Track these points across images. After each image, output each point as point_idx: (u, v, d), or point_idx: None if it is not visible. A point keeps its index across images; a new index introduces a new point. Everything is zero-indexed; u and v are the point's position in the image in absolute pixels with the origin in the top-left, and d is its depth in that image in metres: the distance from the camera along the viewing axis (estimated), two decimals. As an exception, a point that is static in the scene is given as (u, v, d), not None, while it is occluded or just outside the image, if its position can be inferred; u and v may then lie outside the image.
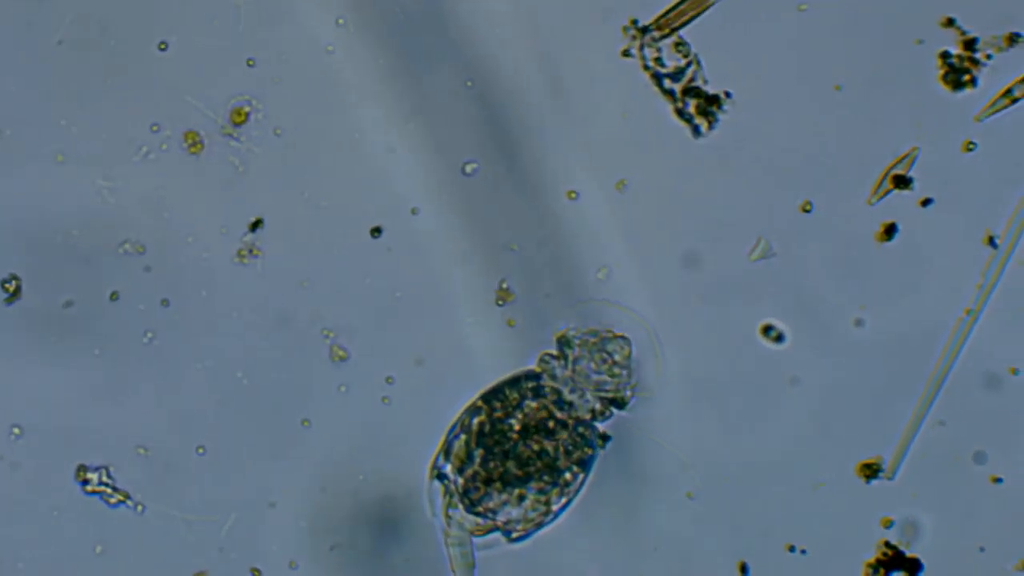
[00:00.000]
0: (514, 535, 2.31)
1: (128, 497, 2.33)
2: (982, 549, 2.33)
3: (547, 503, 2.29)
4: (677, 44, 2.33)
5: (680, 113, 2.34)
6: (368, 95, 2.35)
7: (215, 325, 2.35)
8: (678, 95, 2.33)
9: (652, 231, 2.35)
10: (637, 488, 2.34)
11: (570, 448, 2.28)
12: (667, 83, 2.34)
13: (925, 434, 2.33)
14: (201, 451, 2.34)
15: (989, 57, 2.33)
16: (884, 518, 2.34)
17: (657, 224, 2.35)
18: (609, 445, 2.30)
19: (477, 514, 2.29)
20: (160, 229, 2.36)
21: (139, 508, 2.33)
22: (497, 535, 2.32)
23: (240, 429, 2.34)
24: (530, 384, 2.31)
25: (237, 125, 2.35)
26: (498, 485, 2.28)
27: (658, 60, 2.34)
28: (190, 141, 2.35)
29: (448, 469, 2.31)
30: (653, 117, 2.36)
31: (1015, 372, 2.33)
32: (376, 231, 2.36)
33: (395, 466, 2.34)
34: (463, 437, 2.30)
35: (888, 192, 2.33)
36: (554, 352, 2.31)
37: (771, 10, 2.35)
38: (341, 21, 2.35)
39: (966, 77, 2.33)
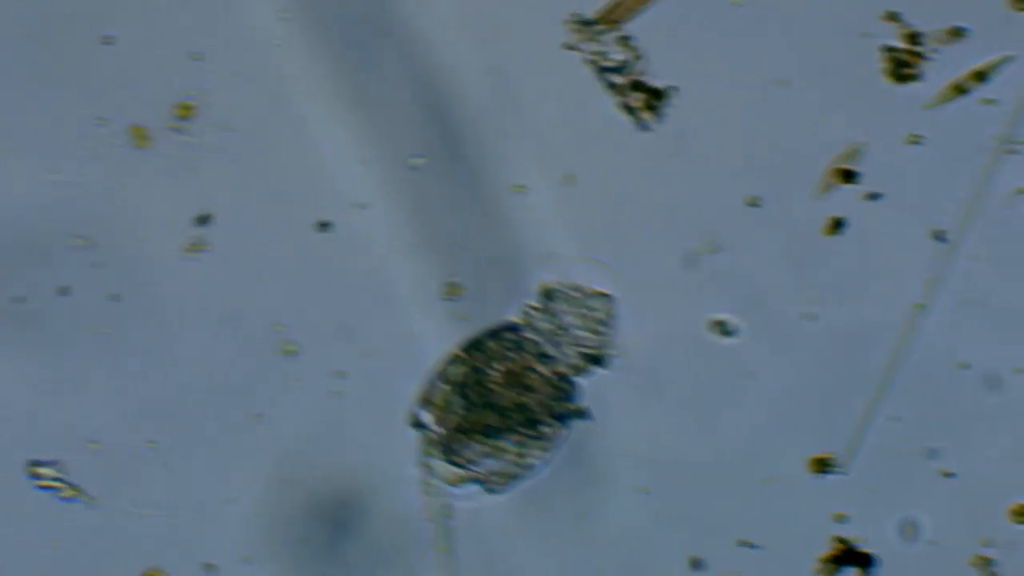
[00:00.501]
0: (493, 488, 2.33)
1: (80, 492, 2.34)
2: (936, 543, 2.35)
3: (525, 456, 2.30)
4: (621, 38, 2.32)
5: (625, 107, 2.34)
6: (314, 89, 2.34)
7: (165, 320, 2.35)
8: (623, 89, 2.33)
9: (599, 225, 2.36)
10: (590, 484, 2.35)
11: (549, 401, 2.29)
12: (612, 78, 2.34)
13: (877, 429, 2.34)
14: (153, 446, 2.35)
15: (933, 51, 2.34)
16: (837, 513, 2.35)
17: (604, 218, 2.36)
18: (586, 419, 2.31)
19: (455, 464, 2.31)
20: (109, 224, 2.35)
21: (91, 503, 2.34)
22: (476, 487, 2.33)
23: (192, 423, 2.35)
24: (511, 336, 2.31)
25: (184, 119, 2.34)
26: (477, 436, 2.29)
27: (602, 54, 2.33)
28: (136, 136, 2.34)
29: (427, 418, 2.32)
30: (598, 111, 2.35)
31: (964, 367, 2.35)
32: (324, 225, 2.36)
33: (346, 460, 2.35)
34: (443, 387, 2.31)
35: (835, 187, 2.34)
36: (537, 305, 2.32)
37: (716, 5, 2.35)
38: (286, 15, 2.34)
39: (909, 71, 2.34)
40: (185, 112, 2.34)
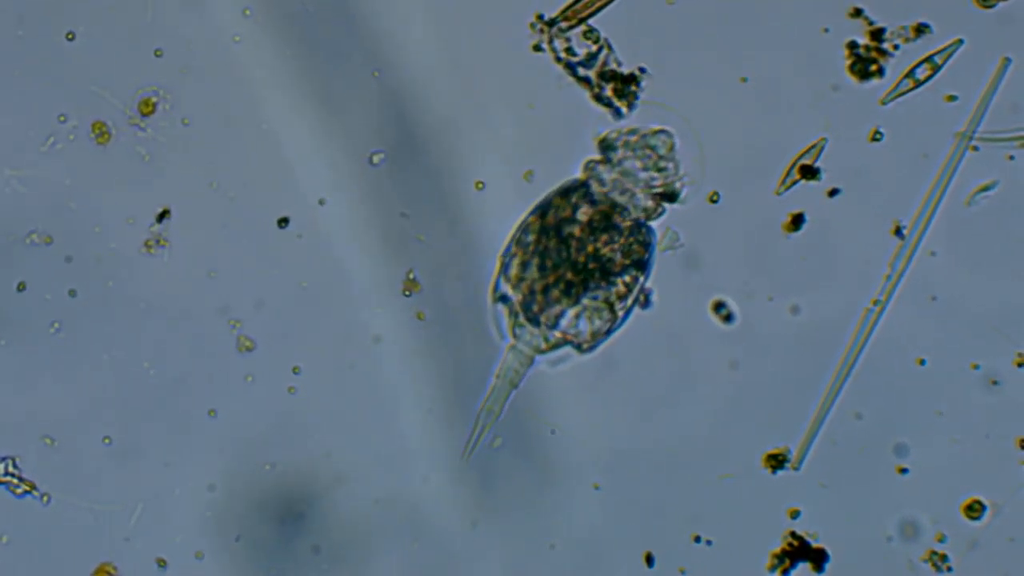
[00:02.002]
0: (583, 345, 2.31)
1: (34, 487, 2.33)
2: (889, 539, 2.33)
3: (610, 308, 2.28)
4: (586, 32, 2.33)
5: (598, 98, 2.34)
6: (275, 85, 2.35)
7: (122, 315, 2.35)
8: (594, 81, 2.33)
9: (559, 221, 2.35)
10: (543, 480, 2.33)
11: (626, 250, 2.27)
12: (581, 71, 2.34)
13: (833, 424, 2.32)
14: (107, 441, 2.34)
15: (896, 47, 2.33)
16: (790, 508, 2.33)
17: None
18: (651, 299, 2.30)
19: (541, 326, 2.28)
20: (68, 219, 2.35)
21: (45, 499, 2.33)
22: (567, 349, 2.31)
23: (146, 419, 2.34)
24: (579, 192, 2.29)
25: (145, 115, 2.35)
26: (556, 293, 2.27)
27: (569, 50, 2.34)
28: (97, 131, 2.35)
29: (508, 289, 2.30)
30: (561, 110, 2.36)
31: (922, 363, 2.33)
32: (283, 221, 2.36)
33: (301, 456, 2.34)
34: (518, 254, 2.29)
35: (796, 182, 2.33)
36: (598, 157, 2.31)
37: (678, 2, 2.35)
38: (248, 12, 2.35)
39: (873, 67, 2.33)
40: (146, 108, 2.35)
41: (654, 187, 2.29)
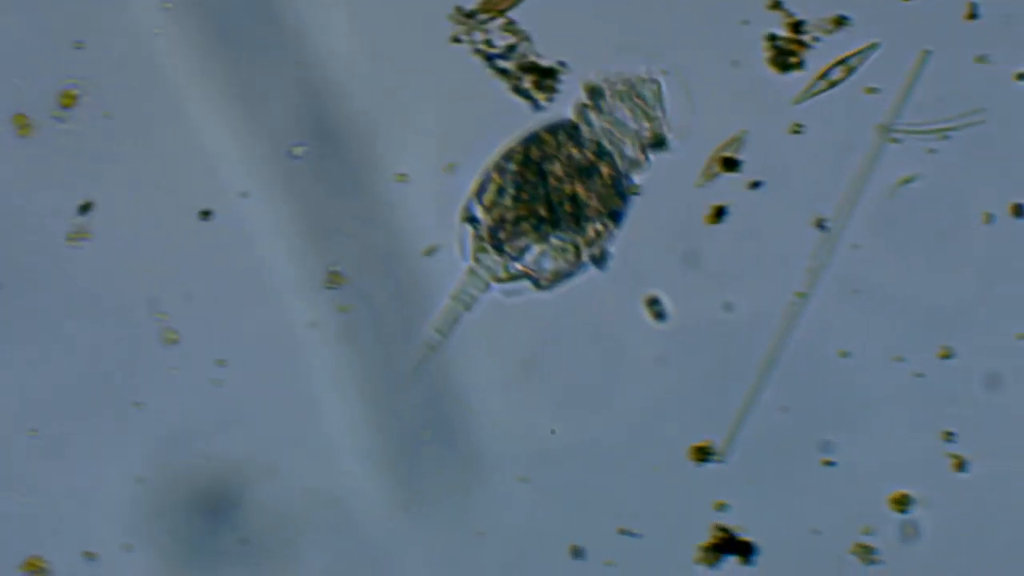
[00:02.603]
0: (541, 282, 2.31)
1: (-40, 480, 2.34)
2: (817, 532, 2.33)
3: (575, 251, 2.28)
4: (505, 24, 2.33)
5: (518, 90, 2.34)
6: (197, 78, 2.34)
7: (46, 308, 2.35)
8: (513, 73, 2.33)
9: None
10: (471, 475, 2.34)
11: (604, 197, 2.27)
12: (500, 63, 2.34)
13: (759, 417, 2.33)
14: (33, 433, 2.34)
15: (816, 39, 2.33)
16: (717, 501, 2.34)
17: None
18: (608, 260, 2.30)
19: (505, 254, 2.29)
20: (-9, 213, 2.36)
21: (-30, 491, 2.34)
22: (525, 283, 2.32)
23: (72, 411, 2.35)
24: (569, 132, 2.30)
25: (66, 108, 2.34)
26: (526, 226, 2.28)
27: (488, 42, 2.34)
28: (19, 124, 2.35)
29: (479, 212, 2.31)
30: (482, 102, 2.35)
31: (845, 355, 2.33)
32: (206, 214, 2.36)
33: (226, 448, 2.34)
34: (496, 179, 2.30)
35: (717, 175, 2.33)
36: (587, 102, 2.31)
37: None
38: (168, 5, 2.35)
39: (793, 59, 2.33)
40: (68, 101, 2.35)
41: (643, 136, 2.28)
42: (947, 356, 2.32)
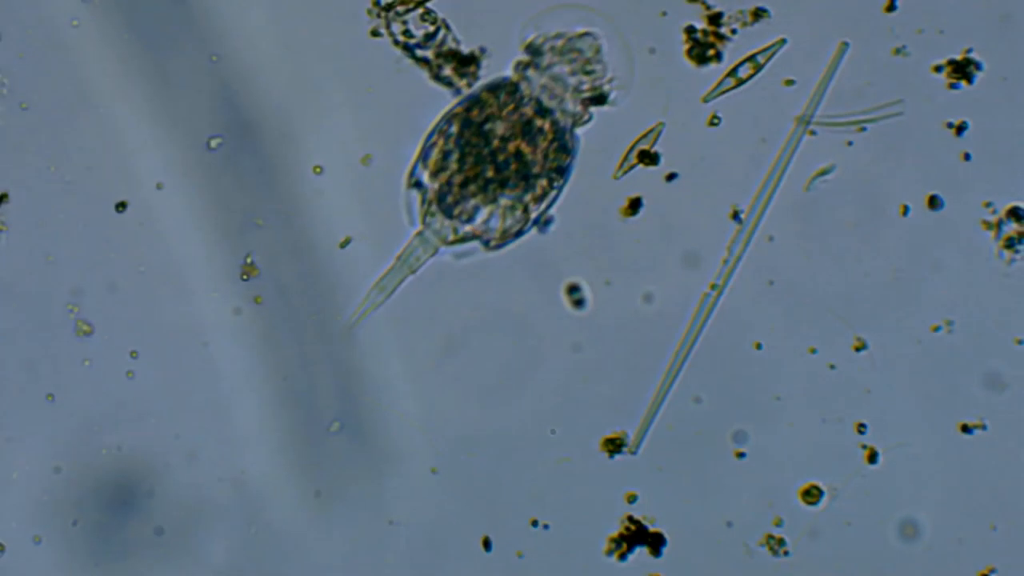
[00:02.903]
0: (491, 242, 2.31)
1: None
2: (729, 524, 2.33)
3: (524, 210, 2.28)
4: (423, 14, 2.32)
5: (438, 78, 2.33)
6: (113, 70, 2.34)
7: (-40, 299, 2.35)
8: (433, 61, 2.33)
9: (396, 207, 2.35)
10: (381, 464, 2.33)
11: (549, 154, 2.27)
12: (420, 52, 2.33)
13: (671, 409, 2.32)
14: (-54, 426, 2.34)
15: (734, 32, 2.33)
16: (628, 492, 2.33)
17: (400, 201, 2.35)
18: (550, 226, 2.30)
19: (454, 218, 2.28)
20: (-94, 203, 2.35)
21: None
22: (475, 243, 2.32)
23: (-14, 404, 2.34)
24: (509, 91, 2.29)
25: (-19, 99, 2.34)
26: (473, 188, 2.27)
27: (406, 32, 2.33)
28: (-67, 115, 2.35)
29: (425, 177, 2.30)
30: (411, 88, 2.35)
31: (759, 347, 2.33)
32: (121, 206, 2.35)
33: (139, 440, 2.34)
34: (439, 142, 2.29)
35: (633, 167, 2.33)
36: (525, 59, 2.30)
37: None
38: (83, -5, 2.35)
39: (711, 52, 2.33)
40: (-17, 91, 2.34)
41: (582, 91, 2.28)
42: (860, 348, 2.31)
